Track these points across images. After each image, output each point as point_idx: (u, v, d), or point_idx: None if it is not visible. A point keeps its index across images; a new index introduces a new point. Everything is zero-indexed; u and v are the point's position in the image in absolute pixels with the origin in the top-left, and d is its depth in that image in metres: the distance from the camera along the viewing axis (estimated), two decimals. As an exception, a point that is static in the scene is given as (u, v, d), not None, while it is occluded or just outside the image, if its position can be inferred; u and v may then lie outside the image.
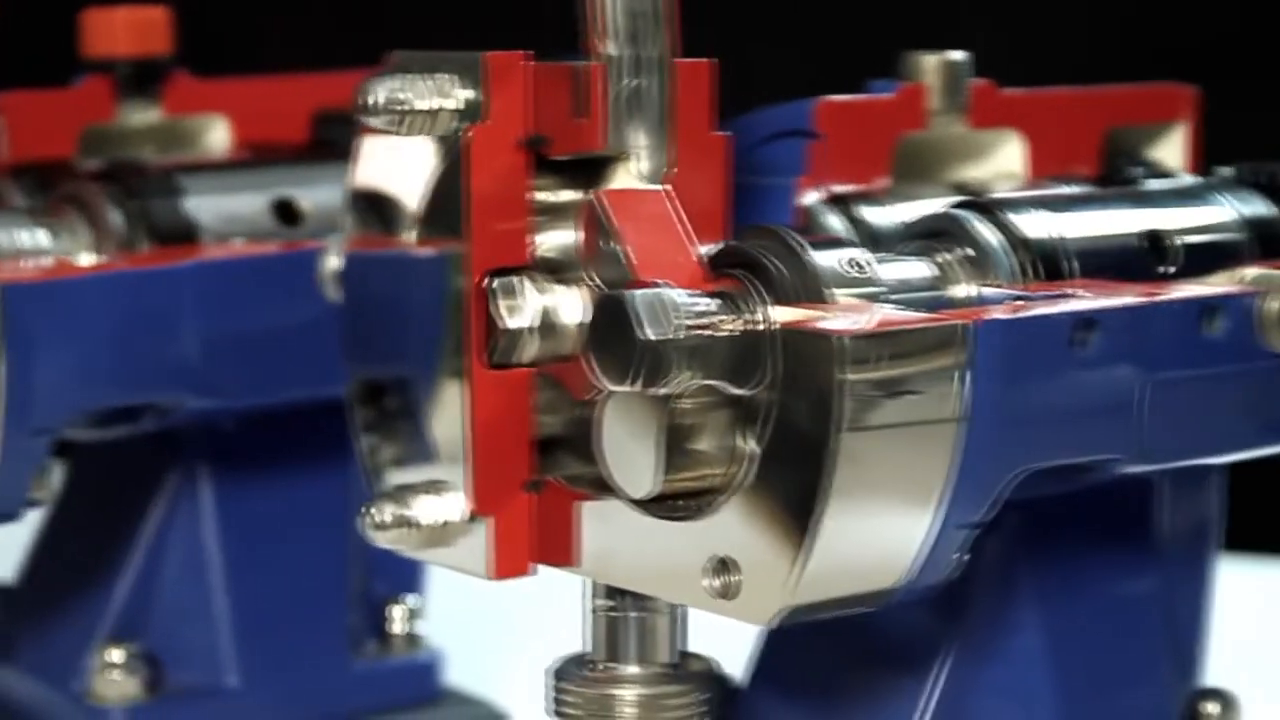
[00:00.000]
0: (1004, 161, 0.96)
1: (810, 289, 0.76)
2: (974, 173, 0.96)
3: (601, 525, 0.81)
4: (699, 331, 0.74)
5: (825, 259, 0.77)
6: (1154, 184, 0.94)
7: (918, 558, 0.75)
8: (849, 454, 0.71)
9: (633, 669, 0.83)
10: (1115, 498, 0.88)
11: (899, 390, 0.72)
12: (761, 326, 0.74)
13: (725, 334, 0.74)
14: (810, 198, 0.89)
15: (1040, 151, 0.97)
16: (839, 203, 0.90)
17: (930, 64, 0.93)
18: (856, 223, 0.89)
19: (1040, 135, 0.96)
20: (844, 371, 0.71)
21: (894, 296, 0.80)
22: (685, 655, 0.84)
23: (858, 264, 0.78)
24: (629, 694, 0.82)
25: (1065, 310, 0.76)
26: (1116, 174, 0.97)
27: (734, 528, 0.75)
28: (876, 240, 0.88)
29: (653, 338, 0.72)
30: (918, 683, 0.87)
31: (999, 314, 0.75)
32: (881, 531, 0.74)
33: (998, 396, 0.74)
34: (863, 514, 0.73)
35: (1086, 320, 0.76)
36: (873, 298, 0.77)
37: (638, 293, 0.73)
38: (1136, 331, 0.78)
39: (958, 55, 0.93)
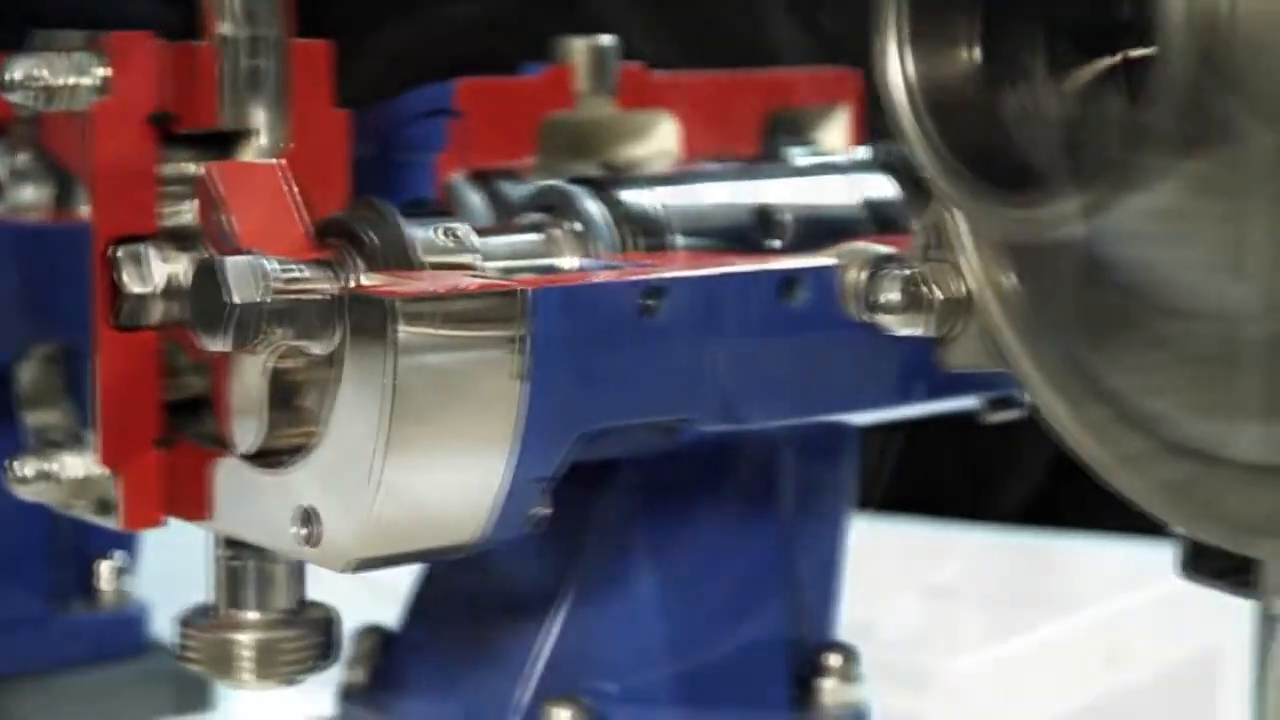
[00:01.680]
0: (660, 142, 1.01)
1: (401, 257, 0.81)
2: (630, 152, 1.01)
3: (225, 480, 0.86)
4: (287, 296, 0.79)
5: (418, 229, 0.82)
6: (791, 162, 0.99)
7: (492, 512, 0.80)
8: (405, 412, 0.76)
9: (251, 615, 0.88)
10: (736, 458, 0.94)
11: (455, 350, 0.77)
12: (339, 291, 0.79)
13: (312, 299, 0.79)
14: (457, 175, 0.94)
15: (696, 132, 1.01)
16: (480, 179, 0.95)
17: (578, 47, 0.98)
18: (495, 197, 0.94)
19: (696, 117, 1.01)
20: (395, 332, 0.75)
21: (498, 265, 0.85)
22: (306, 603, 0.89)
23: (454, 234, 0.83)
24: (245, 639, 0.87)
25: (632, 279, 0.81)
26: (771, 153, 1.02)
27: (315, 480, 0.80)
28: (512, 214, 0.93)
29: (238, 301, 0.77)
30: (537, 627, 0.92)
31: (561, 282, 0.80)
32: (451, 486, 0.79)
33: (560, 359, 0.79)
34: (428, 469, 0.78)
35: (654, 289, 0.81)
36: (466, 266, 0.83)
37: (230, 259, 0.78)
38: (709, 301, 0.83)
39: (606, 39, 0.98)
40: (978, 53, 0.73)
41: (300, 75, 0.86)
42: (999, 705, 1.25)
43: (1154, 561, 0.94)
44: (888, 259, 0.83)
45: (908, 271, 0.77)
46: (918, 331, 0.78)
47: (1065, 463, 0.74)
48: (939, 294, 0.77)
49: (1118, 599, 1.40)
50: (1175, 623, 1.32)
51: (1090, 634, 1.35)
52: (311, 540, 0.80)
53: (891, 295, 0.78)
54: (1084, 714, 1.30)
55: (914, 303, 0.78)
